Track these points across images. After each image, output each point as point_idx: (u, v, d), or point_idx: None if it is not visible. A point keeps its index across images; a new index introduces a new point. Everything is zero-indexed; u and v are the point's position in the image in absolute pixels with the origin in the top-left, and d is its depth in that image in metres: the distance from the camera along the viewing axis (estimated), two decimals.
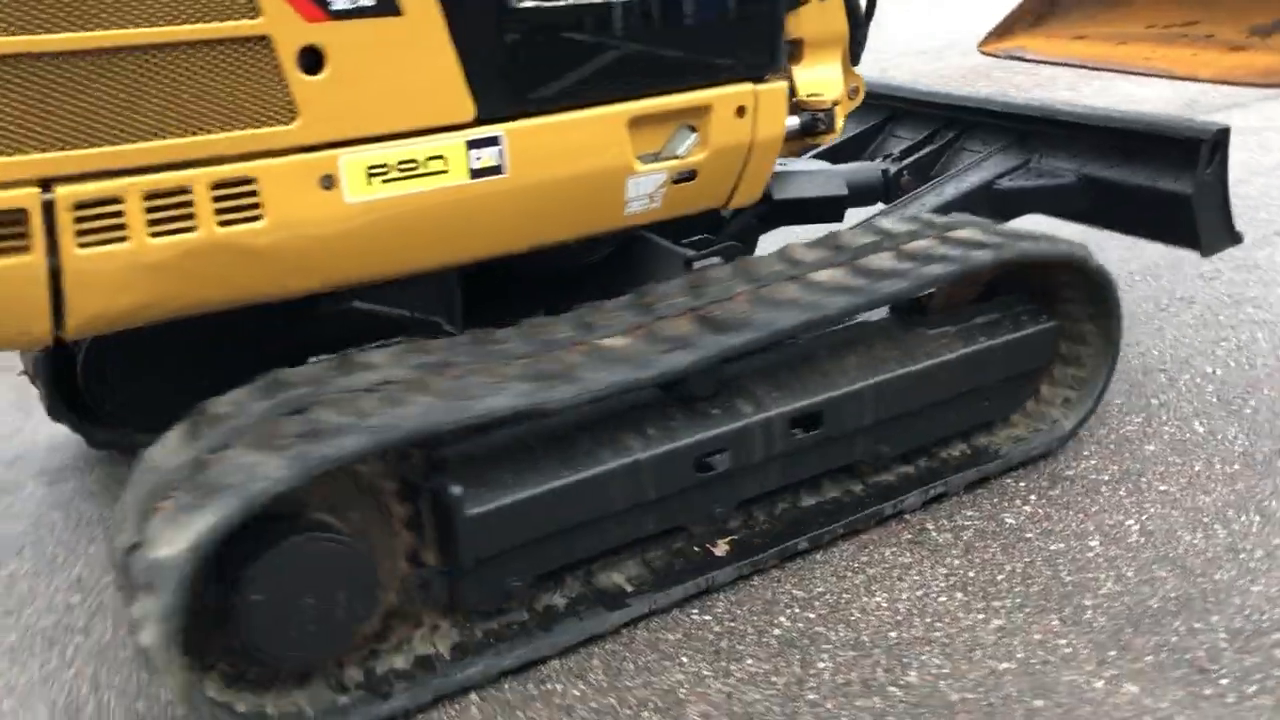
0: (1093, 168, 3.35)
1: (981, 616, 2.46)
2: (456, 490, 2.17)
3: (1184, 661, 2.28)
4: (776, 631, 2.45)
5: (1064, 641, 2.36)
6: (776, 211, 3.04)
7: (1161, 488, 2.90)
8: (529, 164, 2.35)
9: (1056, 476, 2.98)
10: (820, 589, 2.58)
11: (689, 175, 2.62)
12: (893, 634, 2.42)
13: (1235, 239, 3.28)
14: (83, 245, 1.92)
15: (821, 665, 2.34)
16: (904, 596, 2.54)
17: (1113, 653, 2.32)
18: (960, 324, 2.88)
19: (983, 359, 2.84)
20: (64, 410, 3.06)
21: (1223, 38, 3.31)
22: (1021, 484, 2.96)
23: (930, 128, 3.73)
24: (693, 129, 2.57)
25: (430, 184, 2.24)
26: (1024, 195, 3.38)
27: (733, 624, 2.48)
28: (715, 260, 2.78)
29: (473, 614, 2.36)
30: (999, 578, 2.58)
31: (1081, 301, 2.96)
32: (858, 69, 3.12)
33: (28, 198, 1.87)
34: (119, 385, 2.87)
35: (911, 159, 3.52)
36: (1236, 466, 2.98)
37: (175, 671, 1.87)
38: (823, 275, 2.62)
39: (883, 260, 2.66)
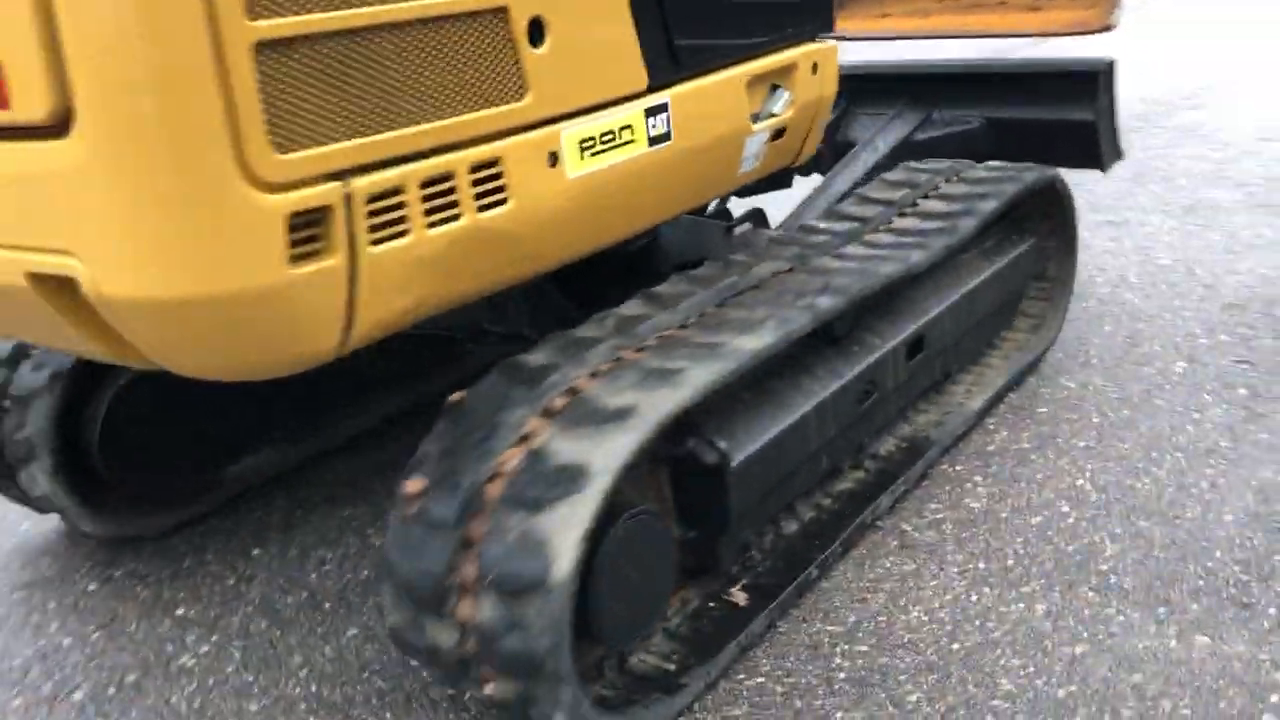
0: (995, 111, 3.66)
1: (1022, 605, 2.38)
2: (722, 444, 2.19)
3: (1225, 602, 2.33)
4: (842, 675, 2.24)
5: (1112, 610, 2.34)
6: None
7: (1081, 444, 2.99)
8: (687, 129, 2.39)
9: (984, 454, 3.00)
10: (853, 618, 2.40)
11: (780, 133, 2.73)
12: (955, 646, 2.28)
13: (1120, 154, 3.68)
14: (375, 242, 1.76)
15: (912, 698, 2.16)
16: (937, 604, 2.41)
17: (1161, 610, 2.33)
18: (977, 248, 3.18)
19: (1005, 274, 3.19)
20: (65, 490, 2.79)
21: (1014, 3, 3.60)
22: (958, 468, 2.95)
23: None
24: (780, 87, 2.68)
25: (623, 154, 2.23)
26: (939, 143, 3.64)
27: (792, 680, 2.24)
28: (747, 226, 3.01)
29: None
30: (1009, 563, 2.53)
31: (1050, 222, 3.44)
32: None
33: (331, 193, 1.68)
34: (141, 447, 2.80)
35: None
36: (1125, 412, 3.14)
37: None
38: (978, 173, 3.17)
39: (989, 172, 3.20)
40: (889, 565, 2.57)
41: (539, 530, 1.78)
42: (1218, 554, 2.48)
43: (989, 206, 2.93)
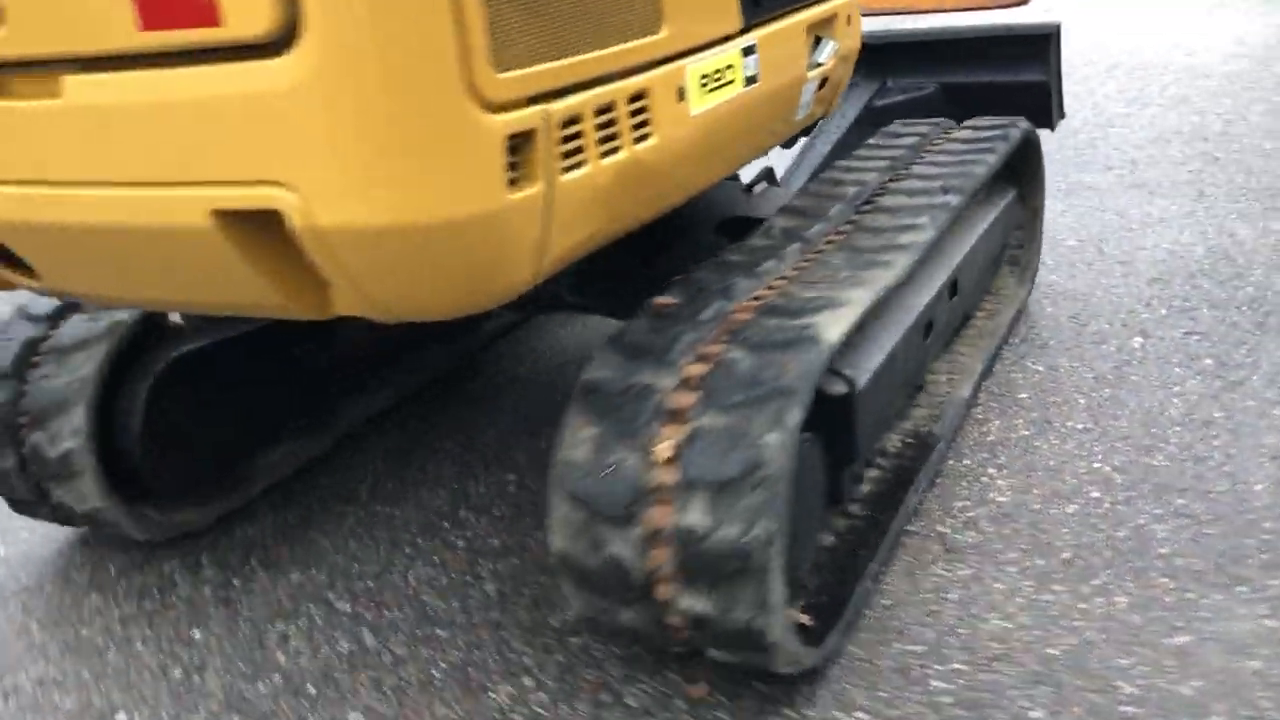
0: (948, 76, 3.79)
1: (1102, 599, 2.23)
2: (848, 372, 2.13)
3: None
4: (948, 699, 2.02)
5: (1193, 594, 2.22)
6: None
7: (1078, 426, 2.90)
8: (769, 71, 2.37)
9: (987, 445, 2.85)
10: (931, 634, 2.18)
11: (823, 83, 2.72)
12: (1053, 651, 2.10)
13: (1063, 114, 3.86)
14: (564, 170, 1.70)
15: (1035, 715, 1.96)
16: (1013, 609, 2.23)
17: (1241, 589, 2.22)
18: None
19: (1002, 219, 3.22)
20: (109, 496, 2.53)
21: None
22: (966, 462, 2.79)
23: None
24: (823, 38, 2.66)
25: (728, 94, 2.20)
26: (898, 109, 3.70)
27: (896, 711, 2.00)
28: (764, 185, 3.11)
29: None
30: (1066, 556, 2.38)
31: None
32: None
33: (536, 116, 1.61)
34: (178, 441, 2.69)
35: None
36: (1107, 391, 3.07)
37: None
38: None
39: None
40: (942, 572, 2.37)
41: (801, 321, 1.96)
42: (1268, 525, 2.41)
43: (1025, 123, 3.27)
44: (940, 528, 2.53)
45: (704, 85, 2.10)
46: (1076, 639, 2.13)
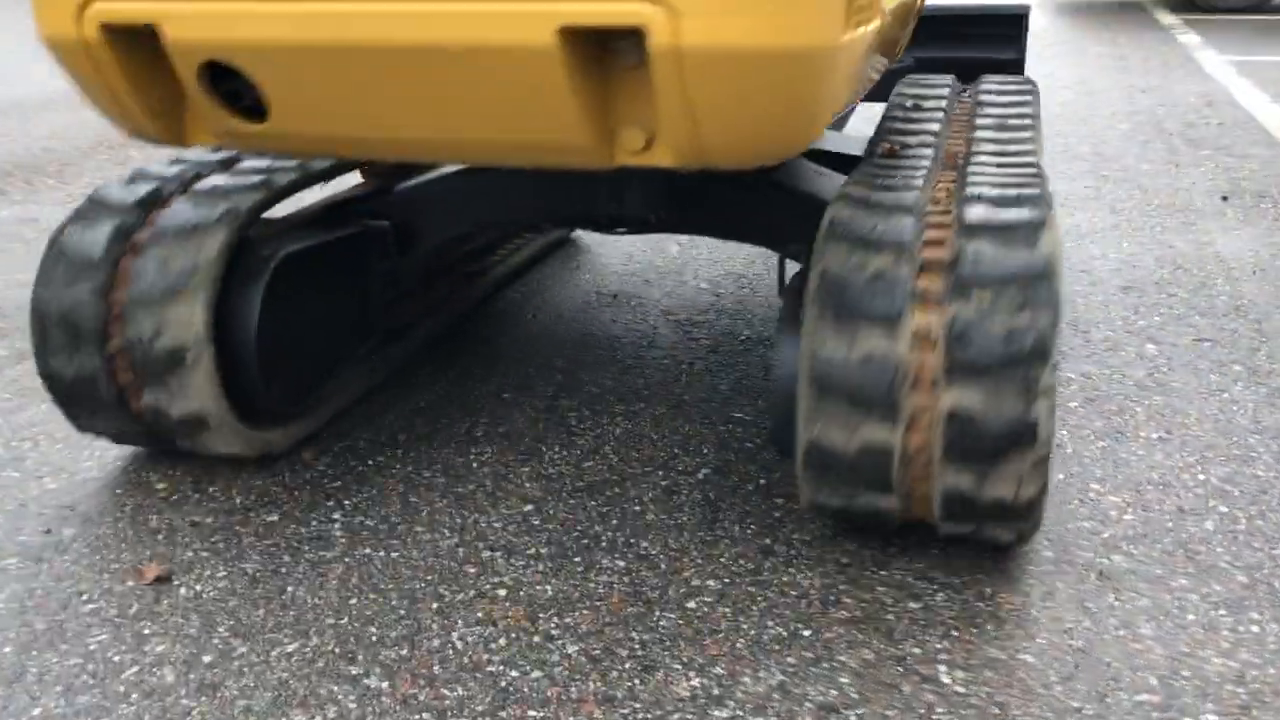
0: (925, 52, 3.91)
1: None
2: None
3: None
4: None
5: None
6: None
7: (1154, 436, 2.65)
8: None
9: (1069, 456, 2.56)
10: (1154, 680, 1.82)
11: (906, 24, 2.68)
12: None
13: None
14: (855, 25, 1.68)
15: None
16: (1226, 645, 1.91)
17: None
18: None
19: None
20: (226, 410, 2.36)
21: None
22: (1058, 475, 2.47)
23: None
24: None
25: (891, 2, 2.12)
26: (880, 82, 3.64)
27: None
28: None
29: None
30: (1242, 579, 2.09)
31: None
32: None
33: None
34: (284, 345, 2.54)
35: None
36: (1158, 398, 2.85)
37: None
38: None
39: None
40: (1115, 604, 2.02)
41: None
42: None
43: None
44: (1079, 551, 2.18)
45: None
46: None
